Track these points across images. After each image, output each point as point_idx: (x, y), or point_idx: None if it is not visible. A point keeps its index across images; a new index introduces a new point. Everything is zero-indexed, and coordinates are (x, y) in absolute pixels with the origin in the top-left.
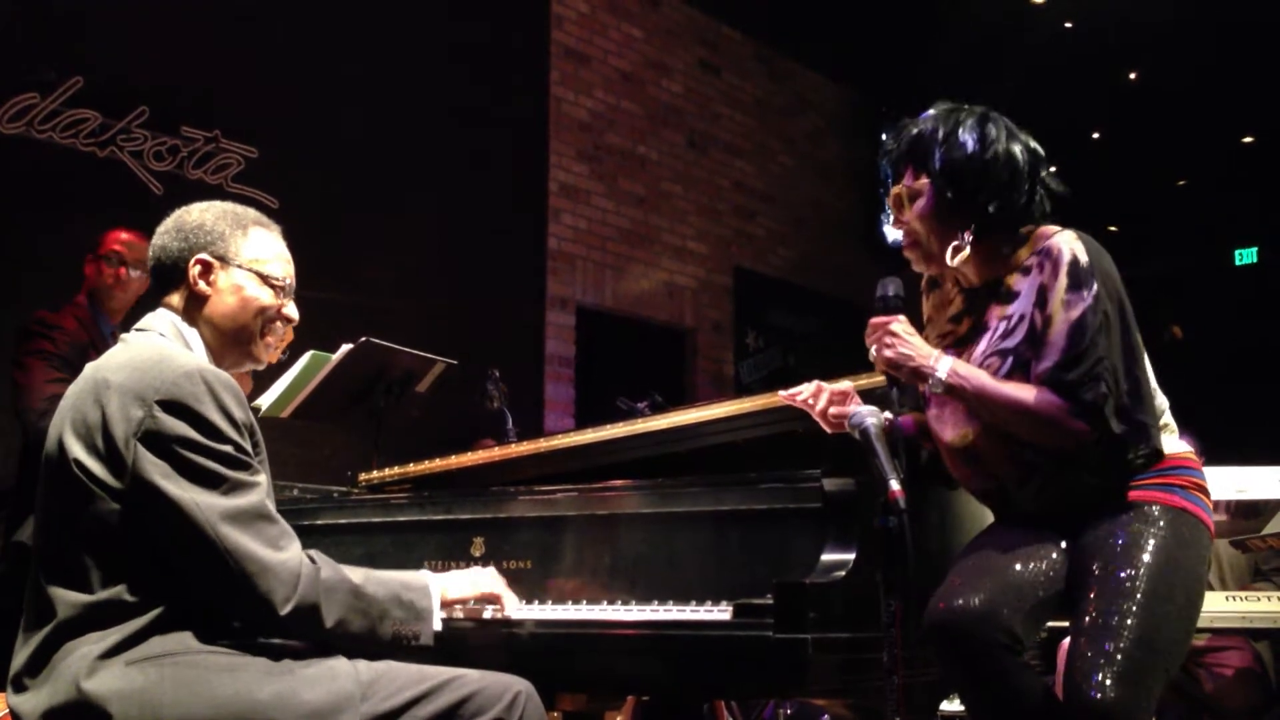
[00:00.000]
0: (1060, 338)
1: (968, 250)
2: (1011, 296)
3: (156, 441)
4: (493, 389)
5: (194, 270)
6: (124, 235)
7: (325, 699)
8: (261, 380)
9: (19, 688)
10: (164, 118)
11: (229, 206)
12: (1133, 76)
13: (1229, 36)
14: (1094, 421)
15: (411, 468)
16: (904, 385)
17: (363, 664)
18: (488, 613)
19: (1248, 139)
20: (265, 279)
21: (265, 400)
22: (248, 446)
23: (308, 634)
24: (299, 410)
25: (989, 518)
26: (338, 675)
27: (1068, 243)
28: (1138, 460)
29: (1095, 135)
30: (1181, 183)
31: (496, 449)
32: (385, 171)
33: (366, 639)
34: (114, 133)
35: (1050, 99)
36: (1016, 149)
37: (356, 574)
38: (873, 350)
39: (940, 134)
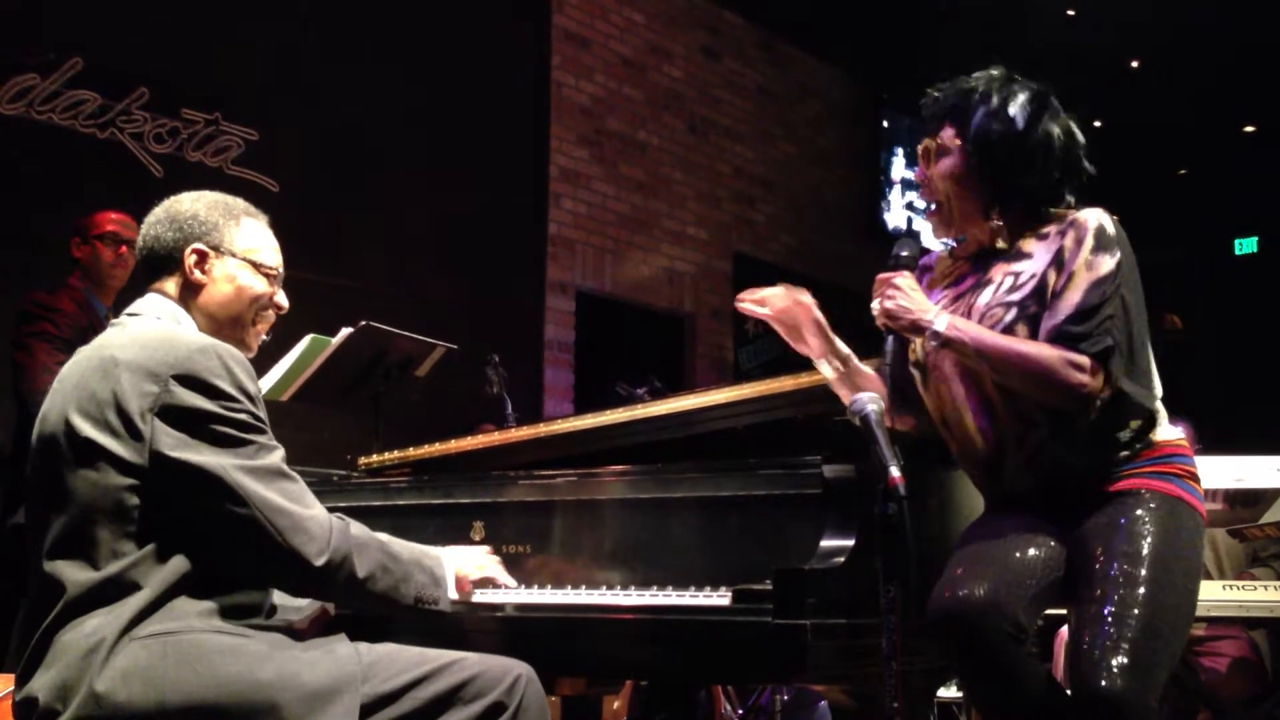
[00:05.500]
0: (1077, 294)
1: (998, 224)
2: (1022, 257)
3: (174, 415)
4: (492, 374)
5: (190, 259)
6: (115, 215)
7: (326, 680)
8: (261, 363)
9: (28, 674)
10: (164, 100)
11: (219, 196)
12: (1134, 65)
13: (1230, 25)
14: (1094, 376)
15: (411, 452)
16: (900, 339)
17: (364, 645)
18: (488, 596)
19: (1249, 128)
20: (258, 267)
21: (265, 383)
22: (262, 415)
23: (341, 586)
24: (299, 393)
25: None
26: (339, 656)
27: (1095, 214)
28: (1129, 433)
29: (1097, 124)
30: (1182, 172)
31: (496, 434)
32: (385, 155)
33: (391, 598)
34: (114, 114)
35: (1052, 87)
36: (1056, 131)
37: (382, 535)
38: (875, 304)
39: (992, 101)
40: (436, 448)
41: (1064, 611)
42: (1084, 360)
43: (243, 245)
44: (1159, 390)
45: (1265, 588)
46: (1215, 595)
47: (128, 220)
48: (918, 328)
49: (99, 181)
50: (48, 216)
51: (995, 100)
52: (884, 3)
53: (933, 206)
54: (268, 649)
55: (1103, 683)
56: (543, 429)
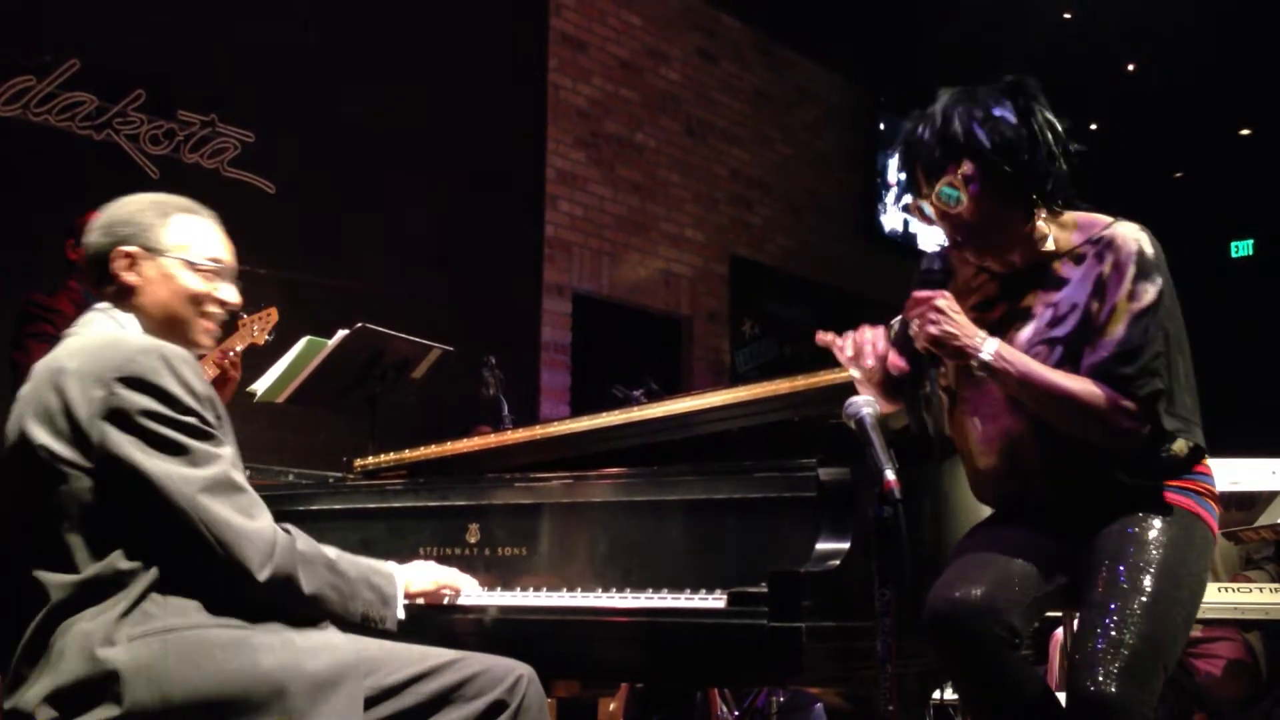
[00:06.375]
0: (1121, 329)
1: (1041, 225)
2: (1059, 283)
3: (120, 417)
4: (489, 376)
5: (117, 263)
6: None
7: (327, 669)
8: (258, 365)
9: (18, 681)
10: (161, 101)
11: (154, 196)
12: (1131, 68)
13: (1227, 29)
14: (1143, 419)
15: (407, 454)
16: (938, 363)
17: (368, 639)
18: (485, 598)
19: (1245, 132)
20: (192, 265)
21: (260, 385)
22: (210, 418)
23: (284, 601)
24: (295, 395)
25: (984, 508)
26: (336, 646)
27: (1134, 234)
28: (1180, 459)
29: (1093, 127)
30: (1178, 175)
31: (492, 436)
32: (382, 156)
33: (337, 614)
34: (110, 116)
35: (1048, 90)
36: (1049, 115)
37: (331, 551)
38: (913, 325)
39: (977, 114)
40: (432, 450)
41: (1059, 614)
42: (1132, 406)
43: (172, 242)
44: (1198, 415)
45: (1260, 589)
46: (1210, 597)
47: None
48: (963, 354)
49: (95, 183)
50: (46, 217)
51: (979, 112)
52: (881, 5)
53: (974, 242)
54: (267, 639)
55: (1099, 688)
56: (539, 431)
